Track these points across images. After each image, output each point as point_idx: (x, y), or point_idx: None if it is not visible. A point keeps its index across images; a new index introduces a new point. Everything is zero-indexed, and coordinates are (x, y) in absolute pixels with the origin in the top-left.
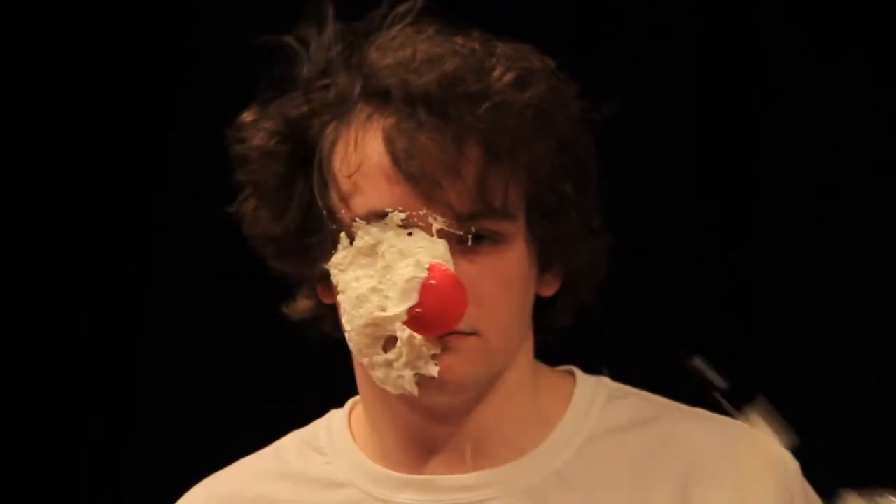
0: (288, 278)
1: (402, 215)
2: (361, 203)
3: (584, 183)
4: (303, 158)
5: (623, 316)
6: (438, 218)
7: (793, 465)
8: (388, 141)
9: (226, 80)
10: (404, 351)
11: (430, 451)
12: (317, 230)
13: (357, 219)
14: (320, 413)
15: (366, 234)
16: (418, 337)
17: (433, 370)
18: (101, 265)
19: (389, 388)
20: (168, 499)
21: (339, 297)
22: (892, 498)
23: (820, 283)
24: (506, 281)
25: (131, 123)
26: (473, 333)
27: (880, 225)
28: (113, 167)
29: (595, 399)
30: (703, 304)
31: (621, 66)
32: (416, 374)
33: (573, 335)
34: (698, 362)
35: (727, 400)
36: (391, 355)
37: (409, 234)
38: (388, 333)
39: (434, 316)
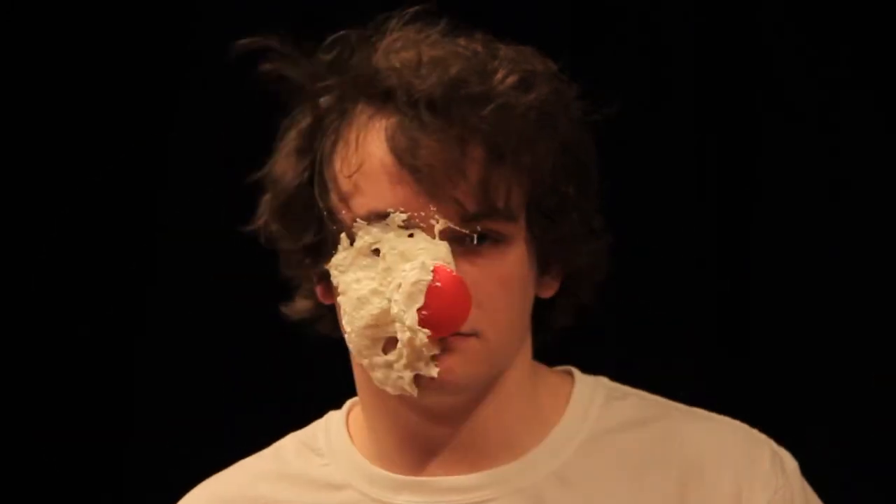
0: (289, 279)
1: (404, 216)
2: (362, 203)
3: (585, 184)
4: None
5: (623, 316)
6: (441, 219)
7: (792, 464)
8: (391, 140)
9: (226, 80)
10: (404, 352)
11: (429, 452)
12: (317, 230)
13: (358, 219)
14: (320, 414)
15: (366, 235)
16: (418, 338)
17: (433, 371)
18: (101, 265)
19: (389, 389)
20: (168, 499)
21: (340, 299)
22: None
23: (820, 282)
24: (506, 282)
25: (131, 123)
26: (473, 334)
27: (880, 225)
28: (113, 167)
29: (594, 399)
30: (703, 304)
31: (621, 66)
32: (415, 375)
33: (573, 335)
34: None
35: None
36: (391, 357)
37: (411, 235)
38: (388, 335)
39: (440, 318)
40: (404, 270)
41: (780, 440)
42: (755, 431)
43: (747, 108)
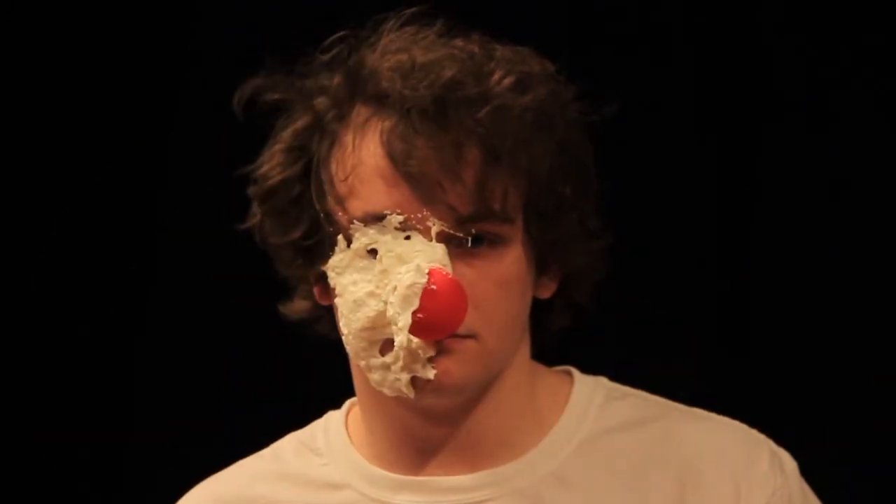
0: (288, 279)
1: (400, 218)
2: (358, 205)
3: (583, 184)
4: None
5: (623, 316)
6: (437, 221)
7: (790, 464)
8: (387, 143)
9: (226, 80)
10: (401, 354)
11: (428, 453)
12: (314, 232)
13: (354, 221)
14: (319, 414)
15: (363, 237)
16: (415, 340)
17: (430, 373)
18: (101, 265)
19: (386, 391)
20: (168, 499)
21: (337, 301)
22: None
23: (820, 282)
24: (503, 283)
25: (131, 123)
26: (471, 336)
27: (880, 225)
28: (113, 167)
29: (593, 399)
30: (703, 304)
31: (621, 66)
32: (412, 377)
33: (572, 335)
34: None
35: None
36: (388, 359)
37: (407, 237)
38: (385, 337)
39: (436, 321)
40: (400, 273)
41: (780, 440)
42: (754, 432)
43: (747, 109)
